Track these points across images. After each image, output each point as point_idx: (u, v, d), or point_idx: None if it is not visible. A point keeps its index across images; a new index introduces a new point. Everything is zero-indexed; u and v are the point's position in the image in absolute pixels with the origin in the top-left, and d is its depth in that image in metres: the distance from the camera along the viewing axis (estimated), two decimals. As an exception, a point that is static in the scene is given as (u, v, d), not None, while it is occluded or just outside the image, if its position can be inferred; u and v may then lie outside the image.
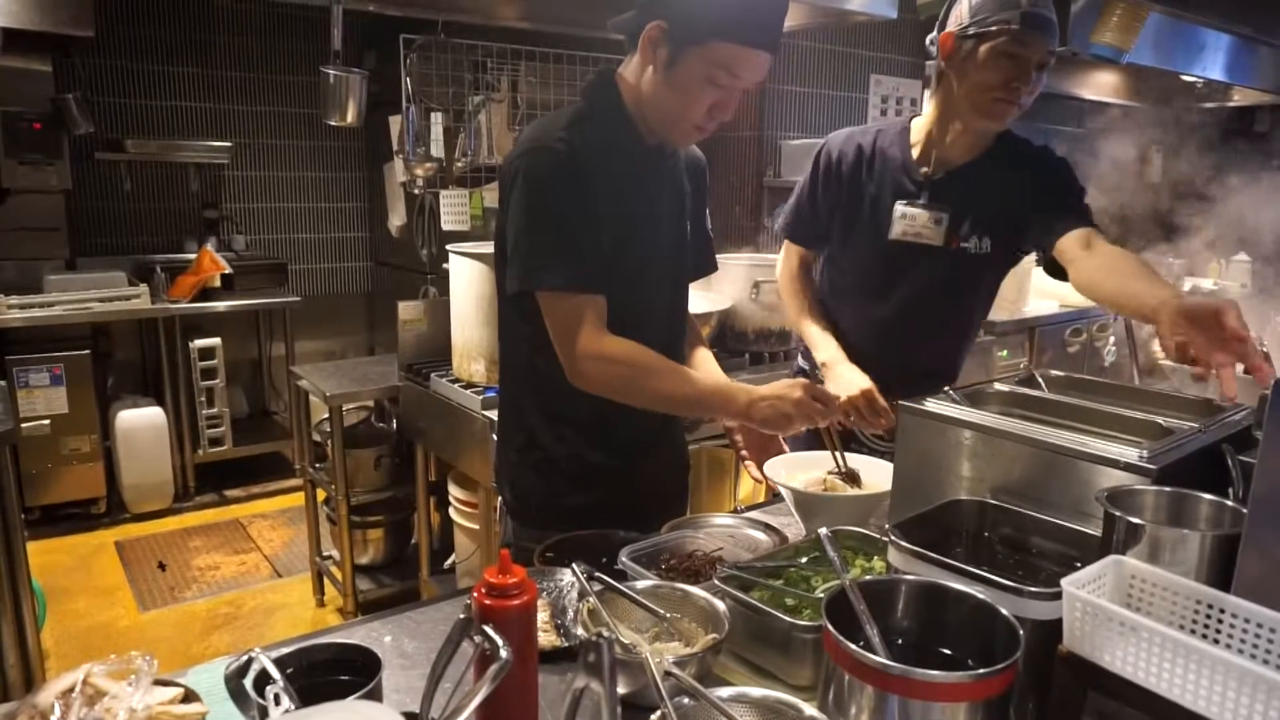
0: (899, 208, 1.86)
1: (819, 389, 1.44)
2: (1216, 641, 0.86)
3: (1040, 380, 1.60)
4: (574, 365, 1.43)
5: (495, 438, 1.71)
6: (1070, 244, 1.71)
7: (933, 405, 1.38)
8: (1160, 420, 1.32)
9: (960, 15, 1.74)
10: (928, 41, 1.85)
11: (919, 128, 1.91)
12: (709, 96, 1.39)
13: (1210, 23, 4.03)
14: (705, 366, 1.72)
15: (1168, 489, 1.08)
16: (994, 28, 1.68)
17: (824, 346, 1.93)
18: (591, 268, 1.42)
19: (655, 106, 1.44)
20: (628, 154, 1.48)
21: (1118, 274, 1.58)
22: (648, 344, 1.49)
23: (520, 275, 1.43)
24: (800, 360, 2.18)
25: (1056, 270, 1.78)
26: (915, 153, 1.89)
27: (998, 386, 1.54)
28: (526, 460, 1.60)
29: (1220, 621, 0.86)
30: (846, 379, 1.82)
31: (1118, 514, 0.99)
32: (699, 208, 1.69)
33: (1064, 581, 0.89)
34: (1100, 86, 5.09)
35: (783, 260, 2.09)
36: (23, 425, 3.83)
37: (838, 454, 1.62)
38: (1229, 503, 1.05)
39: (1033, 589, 0.93)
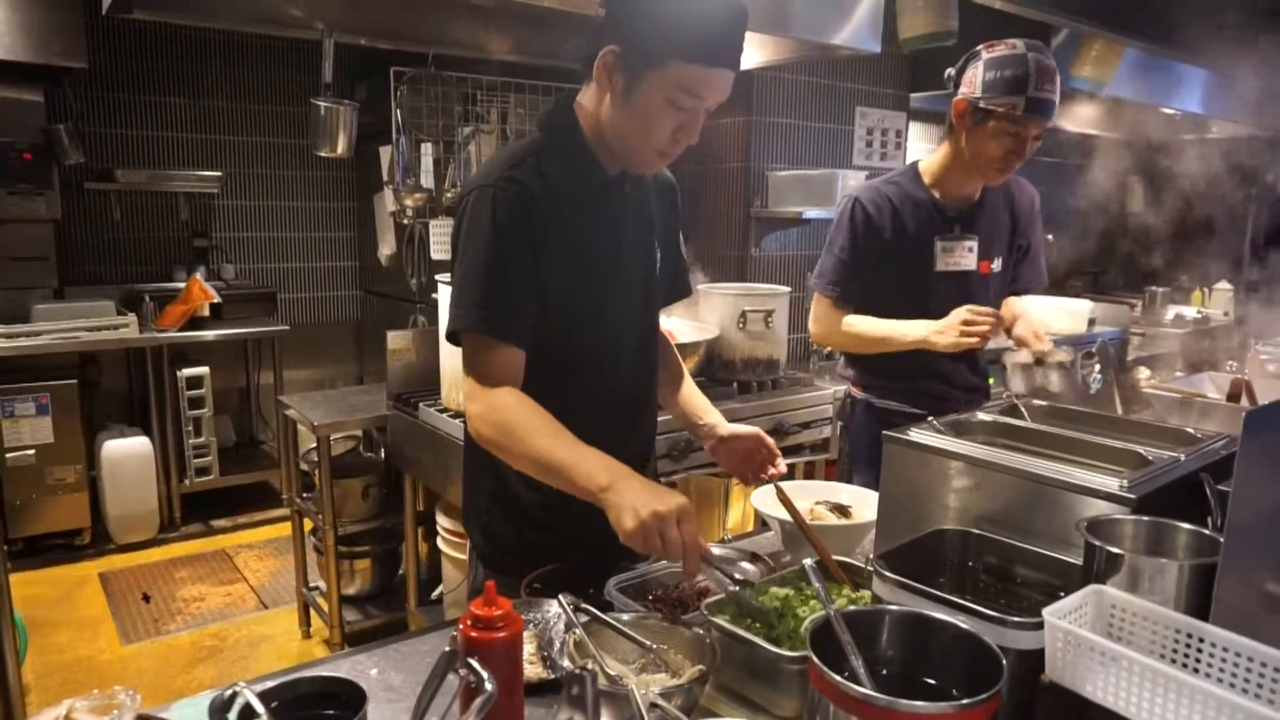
0: (939, 243, 2.09)
1: (690, 526, 1.17)
2: (1196, 670, 0.87)
3: (1023, 410, 1.62)
4: (468, 413, 1.37)
5: (462, 480, 1.64)
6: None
7: (917, 435, 1.39)
8: (1141, 450, 1.34)
9: (974, 83, 1.94)
10: (946, 76, 2.06)
11: (930, 170, 2.13)
12: (671, 120, 1.33)
13: (1184, 58, 4.12)
14: (691, 395, 1.70)
15: (1146, 518, 1.09)
16: (1000, 108, 1.90)
17: (912, 327, 2.03)
18: (520, 319, 1.36)
19: (616, 134, 1.38)
20: (587, 186, 1.43)
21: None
22: (616, 375, 1.46)
23: (452, 314, 1.38)
24: (857, 392, 2.28)
25: None
26: (936, 193, 2.11)
27: (981, 416, 1.55)
28: (498, 505, 1.54)
29: (1199, 650, 0.87)
30: (943, 320, 1.98)
31: (1097, 543, 1.00)
32: (670, 232, 1.63)
33: (1045, 611, 0.90)
34: (1080, 119, 5.17)
35: (822, 318, 2.18)
36: (7, 455, 3.81)
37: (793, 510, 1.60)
38: (1207, 532, 1.06)
39: (1015, 619, 0.94)
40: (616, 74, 1.32)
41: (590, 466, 1.25)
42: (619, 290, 1.49)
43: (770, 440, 1.60)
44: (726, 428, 1.64)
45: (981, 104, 1.92)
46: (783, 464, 1.61)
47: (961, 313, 1.96)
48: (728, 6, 1.30)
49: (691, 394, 1.69)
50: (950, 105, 2.03)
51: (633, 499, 1.18)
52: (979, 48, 1.97)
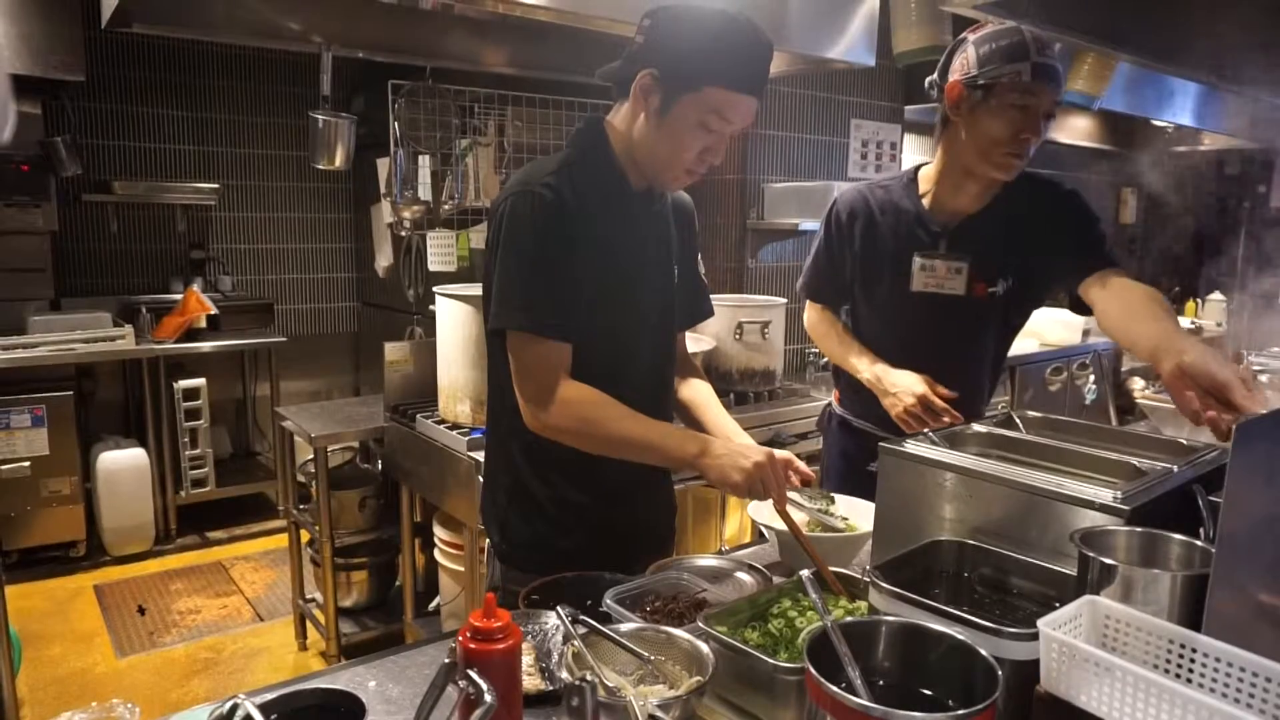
0: (917, 260, 1.88)
1: (781, 465, 1.40)
2: (1189, 681, 0.87)
3: (1018, 421, 1.63)
4: (530, 409, 1.45)
5: (481, 479, 1.69)
6: (1091, 284, 1.72)
7: (912, 447, 1.40)
8: (1134, 461, 1.35)
9: (967, 64, 1.73)
10: (927, 84, 1.86)
11: (927, 178, 1.92)
12: (700, 141, 1.42)
13: (1177, 72, 4.15)
14: (705, 402, 1.72)
15: (1140, 529, 1.10)
16: (1005, 79, 1.68)
17: (866, 364, 1.91)
18: (563, 315, 1.43)
19: (647, 152, 1.46)
20: (614, 200, 1.50)
21: (1129, 314, 1.61)
22: (630, 389, 1.50)
23: (495, 314, 1.45)
24: (836, 407, 2.14)
25: (1082, 306, 1.79)
26: (926, 203, 1.90)
27: (976, 428, 1.56)
28: (514, 503, 1.60)
29: (1192, 661, 0.88)
30: (900, 385, 1.80)
31: (1091, 555, 1.01)
32: (688, 253, 1.69)
33: (1040, 622, 0.90)
34: (1074, 131, 5.21)
35: (807, 315, 2.14)
36: (2, 467, 3.80)
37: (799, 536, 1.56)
38: (1199, 543, 1.07)
39: (1010, 629, 0.94)
40: (653, 95, 1.41)
41: (677, 440, 1.44)
42: (637, 301, 1.55)
43: (800, 464, 1.60)
44: None
45: (981, 80, 1.69)
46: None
47: (918, 391, 1.76)
48: (758, 38, 1.39)
49: (722, 418, 1.70)
50: (943, 103, 1.81)
51: (728, 459, 1.37)
52: (963, 34, 1.78)
